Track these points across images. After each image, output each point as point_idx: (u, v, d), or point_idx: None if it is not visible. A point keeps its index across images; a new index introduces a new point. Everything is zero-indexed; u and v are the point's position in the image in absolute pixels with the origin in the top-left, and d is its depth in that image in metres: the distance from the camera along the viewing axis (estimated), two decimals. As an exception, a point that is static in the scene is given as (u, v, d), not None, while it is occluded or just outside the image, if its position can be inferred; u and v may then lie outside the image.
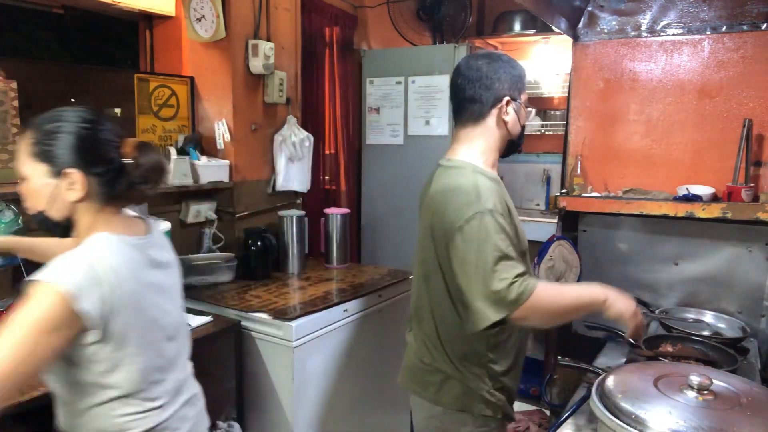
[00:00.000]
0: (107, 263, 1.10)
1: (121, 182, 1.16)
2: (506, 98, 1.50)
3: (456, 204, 1.41)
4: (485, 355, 1.52)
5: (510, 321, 1.31)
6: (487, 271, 1.31)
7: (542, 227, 3.34)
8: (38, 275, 1.04)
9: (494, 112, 1.52)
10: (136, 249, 1.19)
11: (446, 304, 1.52)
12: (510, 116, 1.52)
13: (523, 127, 1.59)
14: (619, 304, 1.40)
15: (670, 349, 1.73)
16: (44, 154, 1.13)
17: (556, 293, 1.38)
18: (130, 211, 1.30)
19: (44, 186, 1.14)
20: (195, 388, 1.39)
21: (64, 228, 1.20)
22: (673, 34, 2.22)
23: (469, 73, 1.52)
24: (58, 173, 1.13)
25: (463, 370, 1.53)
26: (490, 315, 1.30)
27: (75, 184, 1.13)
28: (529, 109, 1.61)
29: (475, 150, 1.54)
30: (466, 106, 1.53)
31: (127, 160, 1.16)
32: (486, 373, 1.53)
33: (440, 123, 3.13)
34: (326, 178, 3.27)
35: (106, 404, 1.15)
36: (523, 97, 1.55)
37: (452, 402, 1.55)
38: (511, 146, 1.61)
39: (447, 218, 1.42)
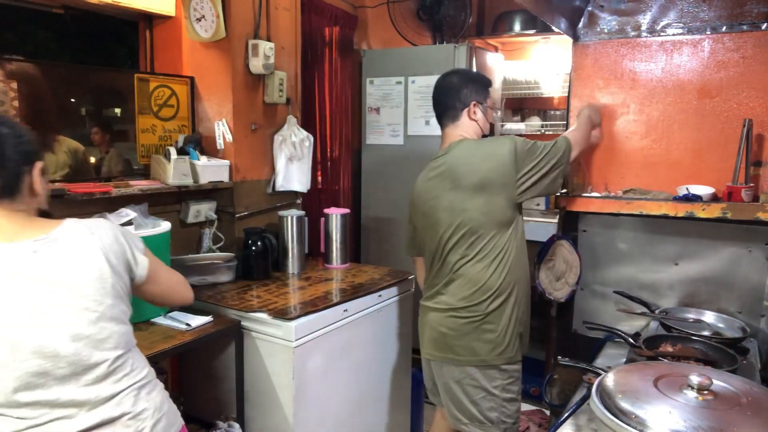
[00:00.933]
0: None
1: None
2: (473, 102, 1.99)
3: (493, 146, 1.94)
4: (506, 304, 1.91)
5: (574, 153, 2.03)
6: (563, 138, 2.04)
7: (542, 227, 3.33)
8: None
9: (465, 112, 2.01)
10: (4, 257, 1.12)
11: (483, 259, 1.90)
12: (478, 116, 2.02)
13: (492, 125, 2.12)
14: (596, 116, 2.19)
15: (670, 349, 1.73)
16: None
17: (580, 134, 2.10)
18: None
19: None
20: (134, 406, 1.23)
21: None
22: (673, 34, 2.22)
23: (445, 87, 2.04)
24: None
25: (491, 323, 1.89)
26: (568, 153, 2.01)
27: None
28: (496, 109, 2.19)
29: (468, 135, 2.04)
30: (446, 112, 2.03)
31: None
32: (508, 325, 1.90)
33: (440, 123, 3.13)
34: (326, 178, 3.27)
35: None
36: (489, 102, 2.06)
37: (483, 359, 1.89)
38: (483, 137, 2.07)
39: (506, 161, 1.88)
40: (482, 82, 2.05)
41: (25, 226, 1.18)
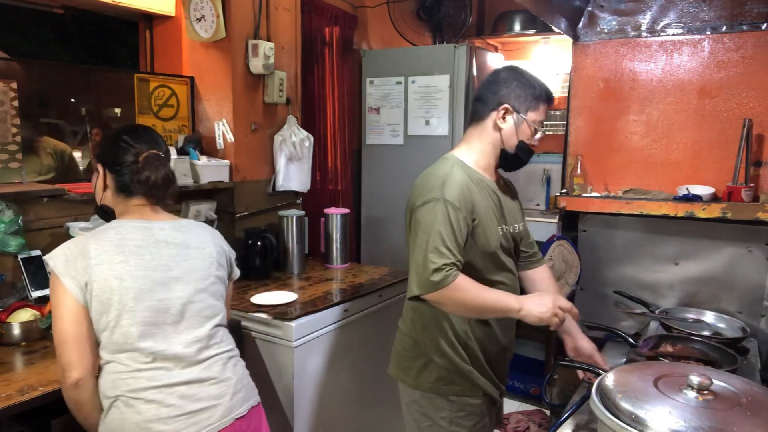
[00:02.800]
0: (90, 240, 1.34)
1: (130, 181, 1.43)
2: (505, 105, 1.56)
3: (422, 188, 1.55)
4: (456, 329, 1.61)
5: (428, 300, 1.47)
6: (423, 251, 1.45)
7: (542, 227, 3.33)
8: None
9: (492, 115, 1.58)
10: (142, 229, 1.41)
11: None
12: (506, 124, 1.57)
13: (521, 143, 1.59)
14: (535, 311, 1.47)
15: (670, 349, 1.73)
16: (96, 155, 1.54)
17: (473, 291, 1.47)
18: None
19: (93, 178, 1.54)
20: (222, 373, 1.42)
21: (105, 216, 1.51)
22: (673, 34, 2.22)
23: (488, 77, 1.63)
24: (95, 169, 1.51)
25: (438, 353, 1.62)
26: (413, 289, 1.47)
27: (101, 175, 1.48)
28: (537, 129, 1.60)
29: (472, 149, 1.63)
30: (474, 105, 1.64)
31: (136, 166, 1.43)
32: (458, 349, 1.61)
33: (440, 123, 3.13)
34: (326, 178, 3.27)
35: (105, 365, 1.34)
36: (531, 116, 1.57)
37: (430, 386, 1.63)
38: (504, 158, 1.63)
39: (412, 199, 1.57)
40: (534, 90, 1.57)
41: (158, 212, 1.49)
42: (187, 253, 1.44)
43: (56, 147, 2.16)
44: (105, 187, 1.48)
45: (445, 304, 1.49)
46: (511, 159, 1.63)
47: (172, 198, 1.53)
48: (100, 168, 1.48)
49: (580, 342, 1.70)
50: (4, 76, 1.90)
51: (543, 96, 1.59)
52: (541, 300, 1.49)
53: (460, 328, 1.61)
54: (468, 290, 1.46)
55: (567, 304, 1.50)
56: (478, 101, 1.62)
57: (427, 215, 1.48)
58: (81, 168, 2.28)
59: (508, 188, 1.73)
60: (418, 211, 1.51)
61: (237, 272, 1.65)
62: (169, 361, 1.35)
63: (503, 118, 1.57)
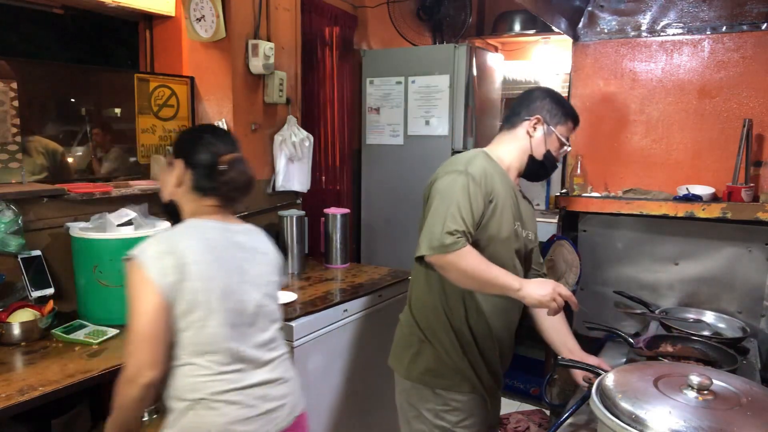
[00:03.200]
0: (180, 237, 1.35)
1: (210, 181, 1.42)
2: (537, 116, 1.70)
3: (446, 166, 1.63)
4: (455, 324, 1.64)
5: (433, 263, 1.50)
6: (440, 216, 1.49)
7: (542, 227, 3.30)
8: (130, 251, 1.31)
9: (525, 124, 1.71)
10: (221, 230, 1.43)
11: (418, 271, 1.69)
12: (537, 134, 1.71)
13: (548, 152, 1.72)
14: (535, 293, 1.49)
15: (670, 349, 1.73)
16: (168, 151, 1.48)
17: (478, 263, 1.50)
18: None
19: (165, 172, 1.50)
20: (285, 373, 1.48)
21: (171, 213, 1.50)
22: (673, 34, 2.22)
23: (525, 94, 1.78)
24: (170, 164, 1.48)
25: (430, 343, 1.66)
26: (422, 248, 1.50)
27: (177, 171, 1.45)
28: (564, 143, 1.75)
29: (499, 147, 1.74)
30: (510, 116, 1.77)
31: (221, 167, 1.43)
32: (452, 338, 1.64)
33: (440, 123, 3.13)
34: (326, 177, 3.27)
35: (181, 366, 1.32)
36: (559, 129, 1.72)
37: (418, 377, 1.67)
38: (533, 165, 1.74)
39: (434, 176, 1.63)
40: (564, 109, 1.73)
41: (228, 214, 1.49)
42: (256, 258, 1.47)
43: (48, 146, 2.14)
44: (180, 182, 1.45)
45: (448, 270, 1.51)
46: (537, 167, 1.74)
47: (242, 202, 1.55)
48: (179, 164, 1.45)
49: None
50: (4, 76, 1.90)
51: (572, 115, 1.75)
52: (543, 284, 1.52)
53: (458, 316, 1.64)
54: (473, 260, 1.50)
55: (567, 292, 1.53)
56: (511, 113, 1.76)
57: (448, 185, 1.55)
58: (83, 168, 2.28)
59: (524, 197, 1.80)
60: (439, 181, 1.58)
61: (284, 279, 1.68)
62: (245, 362, 1.38)
63: (534, 127, 1.70)
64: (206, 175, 1.43)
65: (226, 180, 1.43)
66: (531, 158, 1.73)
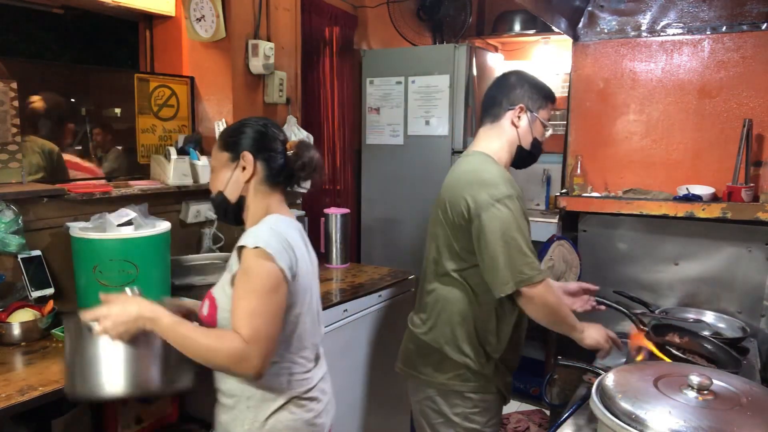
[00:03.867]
0: (288, 234, 1.35)
1: (283, 169, 1.41)
2: (521, 105, 1.69)
3: (480, 186, 1.58)
4: (478, 328, 1.67)
5: (521, 296, 1.53)
6: (518, 249, 1.51)
7: (542, 227, 3.33)
8: (244, 241, 1.29)
9: (508, 115, 1.70)
10: (297, 231, 1.43)
11: (449, 279, 1.68)
12: (522, 123, 1.70)
13: (535, 140, 1.73)
14: (593, 336, 1.63)
15: (677, 340, 1.72)
16: (227, 145, 1.43)
17: (558, 297, 1.59)
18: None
19: (225, 169, 1.42)
20: (325, 367, 1.52)
21: (235, 212, 1.46)
22: (673, 34, 2.22)
23: (498, 81, 1.76)
24: (236, 158, 1.40)
25: (455, 345, 1.67)
26: (508, 286, 1.51)
27: (248, 164, 1.39)
28: (548, 127, 1.75)
29: (489, 146, 1.72)
30: (489, 108, 1.74)
31: (290, 152, 1.42)
32: (477, 347, 1.67)
33: (440, 123, 3.13)
34: (326, 178, 3.26)
35: (277, 363, 1.31)
36: (542, 114, 1.72)
37: (445, 383, 1.68)
38: (521, 155, 1.75)
39: (470, 198, 1.58)
40: (542, 92, 1.73)
41: (290, 212, 1.49)
42: (313, 256, 1.51)
43: (44, 146, 2.14)
44: (250, 177, 1.40)
45: (534, 303, 1.54)
46: (525, 155, 1.75)
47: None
48: (247, 156, 1.38)
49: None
50: (5, 76, 1.90)
51: (550, 96, 1.75)
52: (598, 329, 1.64)
53: (484, 327, 1.67)
54: (555, 293, 1.57)
55: (613, 335, 1.65)
56: (491, 104, 1.73)
57: (502, 219, 1.53)
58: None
59: None
60: (492, 210, 1.54)
61: None
62: (318, 358, 1.45)
63: (519, 117, 1.69)
64: (279, 164, 1.41)
65: (302, 164, 1.41)
66: (519, 148, 1.73)
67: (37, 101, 2.10)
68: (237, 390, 1.35)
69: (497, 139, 1.71)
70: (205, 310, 1.37)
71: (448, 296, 1.69)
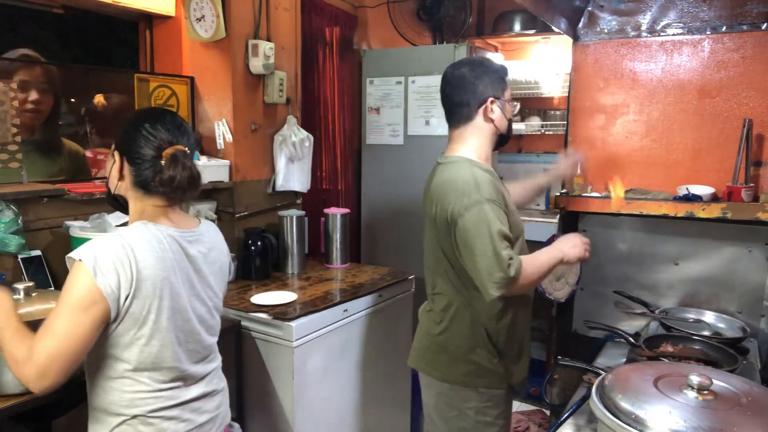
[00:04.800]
0: (136, 249, 1.23)
1: (152, 178, 1.29)
2: (490, 98, 1.70)
3: (455, 195, 1.60)
4: (489, 330, 1.71)
5: (508, 292, 1.55)
6: (487, 253, 1.52)
7: (542, 227, 3.33)
8: (73, 251, 1.21)
9: (480, 111, 1.71)
10: (174, 241, 1.31)
11: (450, 285, 1.71)
12: (496, 114, 1.72)
13: (509, 121, 1.78)
14: (573, 253, 1.68)
15: (670, 349, 1.73)
16: (115, 135, 1.37)
17: (534, 264, 1.61)
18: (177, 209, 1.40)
19: (108, 161, 1.39)
20: (218, 384, 1.47)
21: (120, 207, 1.41)
22: (673, 34, 2.22)
23: (455, 81, 1.72)
24: (113, 154, 1.36)
25: (468, 347, 1.71)
26: (493, 291, 1.53)
27: (117, 164, 1.33)
28: (514, 103, 1.78)
29: (469, 147, 1.73)
30: (456, 110, 1.74)
31: (162, 161, 1.29)
32: (490, 348, 1.71)
33: (440, 123, 3.13)
34: (326, 178, 3.26)
35: (118, 379, 1.26)
36: (506, 94, 1.74)
37: (458, 379, 1.73)
38: (501, 139, 1.81)
39: (448, 208, 1.60)
40: (498, 73, 1.72)
41: (178, 213, 1.38)
42: (205, 271, 1.40)
43: (70, 147, 2.18)
44: (121, 177, 1.33)
45: (522, 288, 1.61)
46: (504, 139, 1.82)
47: (193, 199, 1.39)
48: (117, 156, 1.33)
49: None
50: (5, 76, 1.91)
51: (505, 72, 1.76)
52: (570, 240, 1.70)
53: (494, 327, 1.71)
54: (531, 268, 1.59)
55: (582, 237, 1.72)
56: (459, 105, 1.72)
57: (477, 219, 1.55)
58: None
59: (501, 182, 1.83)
60: (463, 218, 1.56)
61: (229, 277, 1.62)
62: (185, 379, 1.35)
63: (491, 110, 1.71)
64: (146, 170, 1.28)
65: (166, 178, 1.27)
66: (499, 136, 1.77)
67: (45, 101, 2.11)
68: (89, 399, 1.33)
69: (476, 138, 1.73)
70: None
71: (455, 298, 1.72)
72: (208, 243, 1.43)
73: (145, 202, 1.33)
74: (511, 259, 1.52)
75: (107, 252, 1.20)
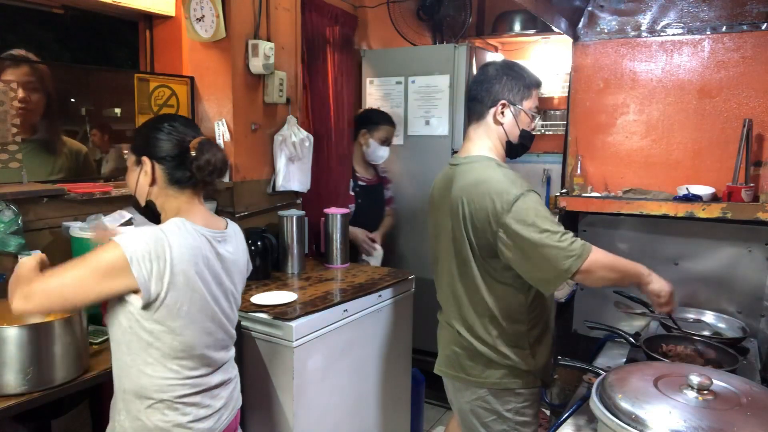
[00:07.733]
0: (174, 244, 1.30)
1: (185, 171, 1.38)
2: (502, 101, 1.67)
3: (496, 193, 1.56)
4: (521, 330, 1.69)
5: (581, 272, 1.48)
6: (554, 236, 1.48)
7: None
8: (116, 237, 1.28)
9: (491, 112, 1.69)
10: (206, 240, 1.39)
11: (482, 288, 1.68)
12: (506, 118, 1.68)
13: (523, 131, 1.71)
14: (660, 282, 1.59)
15: (670, 349, 1.73)
16: (132, 148, 1.45)
17: (610, 254, 1.54)
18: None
19: (132, 172, 1.45)
20: (232, 372, 1.56)
21: (150, 215, 1.47)
22: (673, 34, 2.22)
23: (479, 76, 1.73)
24: (138, 162, 1.41)
25: (503, 349, 1.69)
26: (568, 267, 1.47)
27: (148, 170, 1.39)
28: (534, 115, 1.72)
29: (484, 147, 1.71)
30: (471, 106, 1.73)
31: (192, 153, 1.38)
32: (523, 347, 1.70)
33: (440, 123, 3.13)
34: (326, 177, 3.26)
35: (151, 365, 1.34)
36: (526, 104, 1.69)
37: (497, 382, 1.72)
38: (510, 148, 1.74)
39: (488, 208, 1.56)
40: (524, 80, 1.68)
41: (206, 209, 1.46)
42: (232, 269, 1.49)
43: (72, 147, 2.18)
44: (153, 181, 1.40)
45: (595, 271, 1.50)
46: (516, 148, 1.75)
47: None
48: (146, 161, 1.39)
49: None
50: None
51: (534, 83, 1.71)
52: (663, 280, 1.60)
53: (525, 326, 1.70)
54: (606, 253, 1.52)
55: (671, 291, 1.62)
56: (474, 101, 1.72)
57: (526, 211, 1.51)
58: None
59: None
60: (511, 213, 1.52)
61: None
62: (210, 366, 1.44)
63: (502, 113, 1.68)
64: (178, 165, 1.38)
65: (201, 164, 1.37)
66: (508, 143, 1.72)
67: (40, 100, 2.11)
68: (117, 382, 1.40)
69: (487, 139, 1.71)
70: None
71: (485, 299, 1.69)
72: (235, 244, 1.53)
73: (179, 199, 1.41)
74: (574, 236, 1.50)
75: (142, 243, 1.27)
